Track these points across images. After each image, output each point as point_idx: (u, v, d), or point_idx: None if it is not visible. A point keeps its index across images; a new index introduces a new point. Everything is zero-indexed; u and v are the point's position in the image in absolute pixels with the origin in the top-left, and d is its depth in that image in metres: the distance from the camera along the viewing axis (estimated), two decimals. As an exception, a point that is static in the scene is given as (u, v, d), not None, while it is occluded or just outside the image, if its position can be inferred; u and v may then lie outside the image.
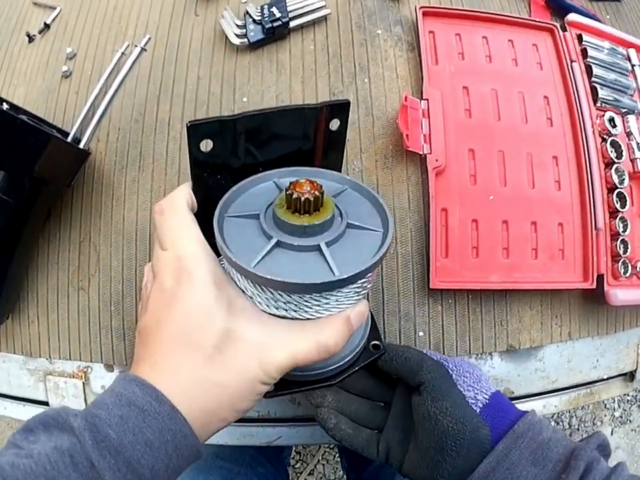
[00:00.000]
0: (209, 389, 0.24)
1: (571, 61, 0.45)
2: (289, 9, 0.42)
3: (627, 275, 0.41)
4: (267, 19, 0.42)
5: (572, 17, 0.47)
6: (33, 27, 0.47)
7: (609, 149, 0.43)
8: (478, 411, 0.30)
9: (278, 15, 0.42)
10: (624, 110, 0.45)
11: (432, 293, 0.40)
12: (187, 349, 0.24)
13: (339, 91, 0.42)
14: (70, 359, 0.41)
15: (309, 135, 0.29)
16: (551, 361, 0.42)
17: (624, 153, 0.43)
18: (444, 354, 0.40)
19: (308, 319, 0.26)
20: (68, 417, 0.22)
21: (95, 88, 0.40)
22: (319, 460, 1.04)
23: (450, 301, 0.40)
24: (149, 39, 0.38)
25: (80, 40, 0.45)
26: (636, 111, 0.46)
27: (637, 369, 0.45)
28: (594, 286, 0.41)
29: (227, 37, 0.42)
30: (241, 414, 0.25)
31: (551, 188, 0.42)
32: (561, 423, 1.09)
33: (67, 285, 0.41)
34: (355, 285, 0.26)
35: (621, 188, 0.42)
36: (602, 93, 0.45)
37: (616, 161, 0.43)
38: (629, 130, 0.45)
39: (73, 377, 0.42)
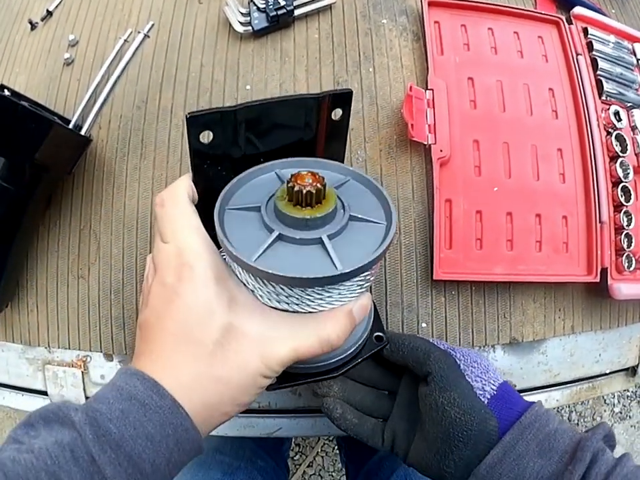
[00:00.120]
0: (211, 383, 0.24)
1: (577, 54, 0.45)
2: (293, -3, 0.42)
3: (631, 269, 0.41)
4: (271, 7, 0.41)
5: (578, 10, 0.46)
6: (35, 14, 0.47)
7: (614, 142, 0.43)
8: (486, 402, 0.30)
9: (282, 3, 0.41)
10: (629, 104, 0.45)
11: (435, 284, 0.40)
12: (188, 345, 0.24)
13: (343, 80, 0.42)
14: (69, 348, 0.41)
15: (310, 124, 0.28)
16: (553, 355, 0.42)
17: (629, 147, 0.43)
18: (447, 346, 0.40)
19: (310, 312, 0.25)
20: (69, 411, 0.22)
21: (96, 75, 0.39)
22: (317, 452, 1.04)
23: (453, 292, 0.40)
24: (152, 25, 0.38)
25: (82, 27, 0.45)
26: (641, 105, 0.46)
27: (638, 364, 0.45)
28: (598, 279, 0.40)
29: (230, 24, 0.42)
30: (242, 408, 0.25)
31: (555, 180, 0.42)
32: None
33: (67, 274, 0.41)
34: (357, 279, 0.25)
35: (626, 182, 0.42)
36: (607, 86, 0.44)
37: (621, 154, 0.43)
38: (634, 124, 0.44)
39: (72, 367, 0.41)
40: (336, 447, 1.03)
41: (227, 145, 0.27)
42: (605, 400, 1.12)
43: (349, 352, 0.30)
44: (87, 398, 0.41)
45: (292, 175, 0.25)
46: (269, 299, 0.25)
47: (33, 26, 0.46)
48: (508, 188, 0.41)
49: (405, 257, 0.40)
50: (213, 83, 0.42)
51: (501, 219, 0.41)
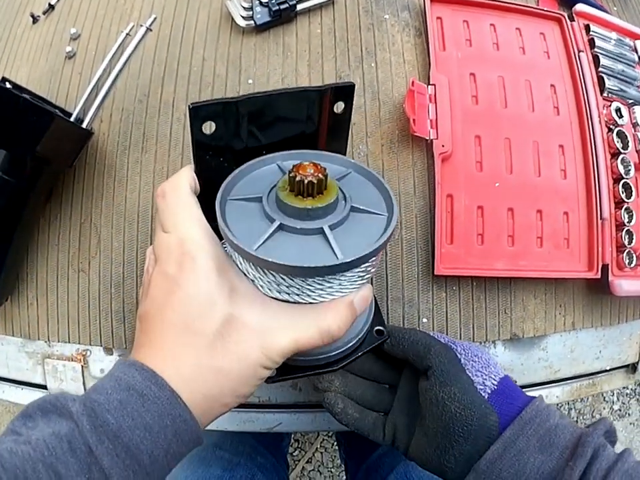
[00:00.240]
0: (211, 374, 0.24)
1: (579, 51, 0.45)
2: (296, -8, 0.42)
3: (632, 265, 0.41)
4: (274, 1, 0.41)
5: (580, 7, 0.46)
6: (37, 7, 0.47)
7: (615, 139, 0.43)
8: (486, 396, 0.30)
9: (285, -3, 0.41)
10: (630, 101, 0.45)
11: (436, 280, 0.40)
12: (188, 336, 0.24)
13: (345, 75, 0.42)
14: (69, 342, 0.41)
15: (312, 117, 0.28)
16: (554, 351, 0.42)
17: (630, 144, 0.43)
18: (447, 341, 0.40)
19: (311, 303, 0.25)
20: (66, 402, 0.22)
21: (98, 69, 0.39)
22: (317, 448, 1.03)
23: (454, 287, 0.40)
24: (155, 18, 0.38)
25: (84, 21, 0.45)
26: (642, 102, 0.46)
27: (639, 361, 0.45)
28: (598, 276, 0.41)
29: (233, 18, 0.42)
30: (242, 399, 0.25)
31: (556, 176, 0.42)
32: (559, 415, 1.09)
33: (67, 267, 0.41)
34: (358, 269, 0.25)
35: (627, 178, 0.42)
36: (609, 83, 0.44)
37: (622, 151, 0.43)
38: (635, 121, 0.44)
39: (72, 360, 0.41)
40: (335, 443, 1.03)
41: (229, 136, 0.27)
42: (604, 397, 1.12)
43: (350, 345, 0.30)
44: (86, 392, 0.41)
45: (294, 165, 0.25)
46: (270, 289, 0.25)
47: (35, 19, 0.46)
48: (509, 184, 0.41)
49: (406, 252, 0.40)
50: (214, 77, 0.42)
51: (502, 214, 0.41)
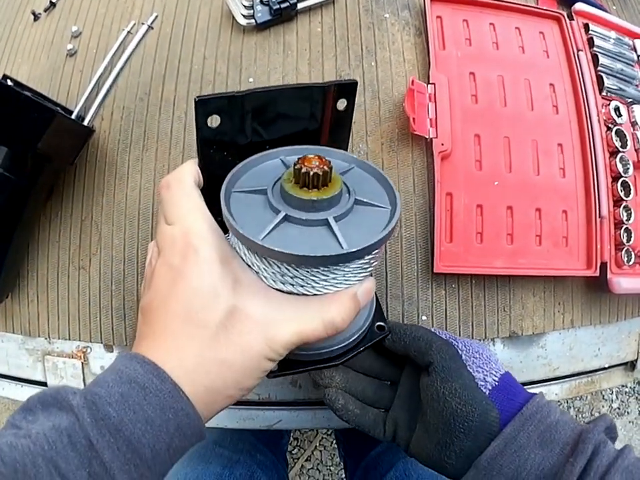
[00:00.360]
0: (214, 366, 0.23)
1: (578, 50, 0.45)
2: (296, -10, 0.42)
3: (630, 263, 0.41)
4: (274, 0, 0.42)
5: (579, 6, 0.47)
6: (38, 5, 0.47)
7: (614, 137, 0.43)
8: (487, 393, 0.30)
9: (285, -4, 0.42)
10: (629, 100, 0.46)
11: (436, 277, 0.40)
12: (191, 328, 0.23)
13: (345, 74, 0.42)
14: (69, 339, 0.41)
15: (315, 114, 0.29)
16: (552, 348, 0.42)
17: (629, 142, 0.43)
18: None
19: (315, 294, 0.25)
20: (67, 395, 0.22)
21: (99, 67, 0.40)
22: (316, 446, 1.03)
23: (453, 285, 0.40)
24: (156, 16, 0.38)
25: (85, 19, 0.45)
26: (641, 101, 0.46)
27: (637, 358, 0.45)
28: (597, 273, 0.41)
29: (234, 17, 0.42)
30: (245, 392, 0.25)
31: (555, 175, 0.42)
32: (559, 413, 1.09)
33: (68, 264, 0.41)
34: (362, 261, 0.26)
35: (626, 177, 0.42)
36: (608, 82, 0.45)
37: (621, 150, 0.43)
38: (634, 119, 0.45)
39: (72, 357, 0.41)
40: (334, 441, 1.03)
41: (234, 131, 0.27)
42: (603, 396, 1.13)
43: (351, 340, 0.30)
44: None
45: (299, 158, 0.25)
46: (274, 281, 0.25)
47: (36, 17, 0.46)
48: (508, 182, 0.41)
49: (405, 250, 0.40)
50: (215, 76, 0.42)
51: (501, 212, 0.41)
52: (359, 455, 0.57)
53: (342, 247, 0.23)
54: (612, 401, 1.13)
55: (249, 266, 0.26)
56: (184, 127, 0.41)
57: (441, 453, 0.30)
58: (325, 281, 0.25)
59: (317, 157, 0.25)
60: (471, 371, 0.31)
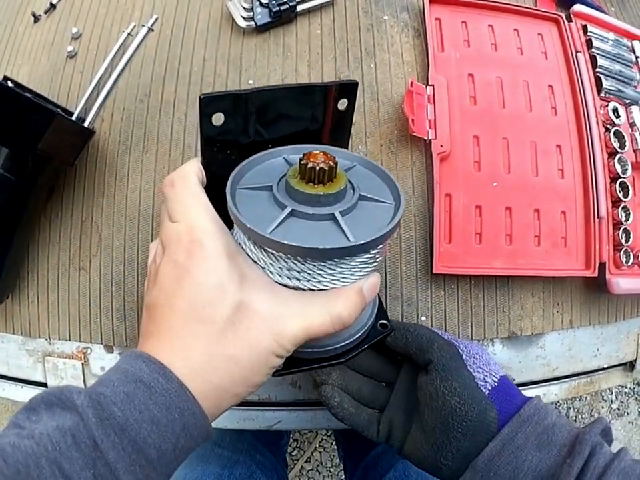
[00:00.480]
0: (222, 363, 0.23)
1: (576, 51, 0.45)
2: (296, -8, 0.42)
3: (629, 264, 0.42)
4: (274, 2, 0.42)
5: (577, 7, 0.47)
6: (38, 6, 0.47)
7: (612, 138, 0.43)
8: (487, 393, 0.30)
9: (285, -2, 0.42)
10: (627, 101, 0.46)
11: (435, 278, 0.40)
12: (198, 324, 0.23)
13: (344, 75, 0.42)
14: (69, 340, 0.41)
15: (317, 114, 0.29)
16: (551, 349, 0.43)
17: (627, 143, 0.43)
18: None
19: (321, 289, 0.26)
20: (71, 394, 0.21)
21: (100, 68, 0.40)
22: (315, 447, 1.03)
23: (452, 286, 0.40)
24: (157, 18, 0.38)
25: (86, 20, 0.45)
26: (639, 102, 0.46)
27: (636, 358, 0.46)
28: (596, 274, 0.41)
29: (233, 19, 0.42)
30: (253, 389, 0.25)
31: (554, 176, 0.42)
32: (558, 414, 1.09)
33: (68, 265, 0.41)
34: (367, 255, 0.26)
35: (624, 178, 0.43)
36: (606, 83, 0.45)
37: (619, 150, 0.43)
38: (632, 121, 0.45)
39: (72, 358, 0.41)
40: (334, 443, 1.03)
41: (237, 130, 0.27)
42: (602, 396, 1.13)
43: (355, 338, 0.30)
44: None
45: (304, 154, 0.25)
46: (280, 276, 0.25)
47: (36, 18, 0.46)
48: (507, 183, 0.41)
49: (404, 251, 0.40)
50: (215, 77, 0.42)
51: (500, 213, 0.41)
52: (358, 456, 0.57)
53: (349, 240, 0.24)
54: (611, 401, 1.13)
55: (255, 262, 0.26)
56: (184, 129, 0.41)
57: (437, 453, 0.30)
58: (332, 275, 0.25)
59: (322, 153, 0.25)
60: (471, 370, 0.31)
